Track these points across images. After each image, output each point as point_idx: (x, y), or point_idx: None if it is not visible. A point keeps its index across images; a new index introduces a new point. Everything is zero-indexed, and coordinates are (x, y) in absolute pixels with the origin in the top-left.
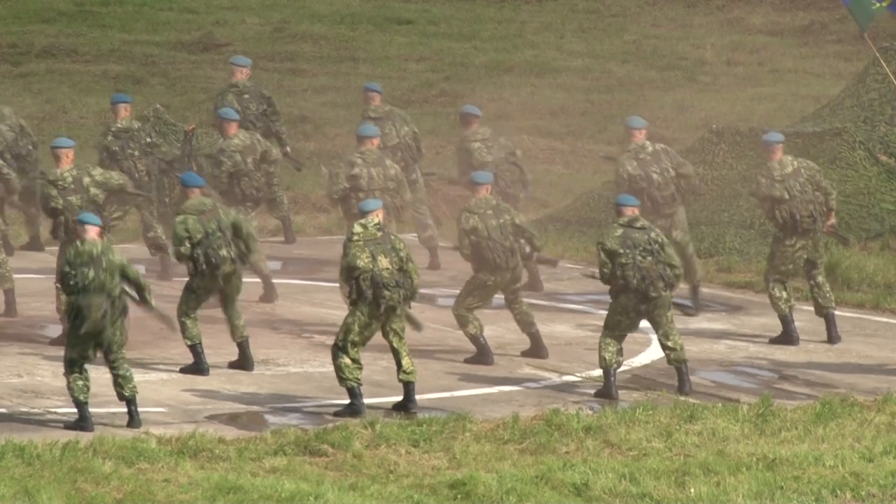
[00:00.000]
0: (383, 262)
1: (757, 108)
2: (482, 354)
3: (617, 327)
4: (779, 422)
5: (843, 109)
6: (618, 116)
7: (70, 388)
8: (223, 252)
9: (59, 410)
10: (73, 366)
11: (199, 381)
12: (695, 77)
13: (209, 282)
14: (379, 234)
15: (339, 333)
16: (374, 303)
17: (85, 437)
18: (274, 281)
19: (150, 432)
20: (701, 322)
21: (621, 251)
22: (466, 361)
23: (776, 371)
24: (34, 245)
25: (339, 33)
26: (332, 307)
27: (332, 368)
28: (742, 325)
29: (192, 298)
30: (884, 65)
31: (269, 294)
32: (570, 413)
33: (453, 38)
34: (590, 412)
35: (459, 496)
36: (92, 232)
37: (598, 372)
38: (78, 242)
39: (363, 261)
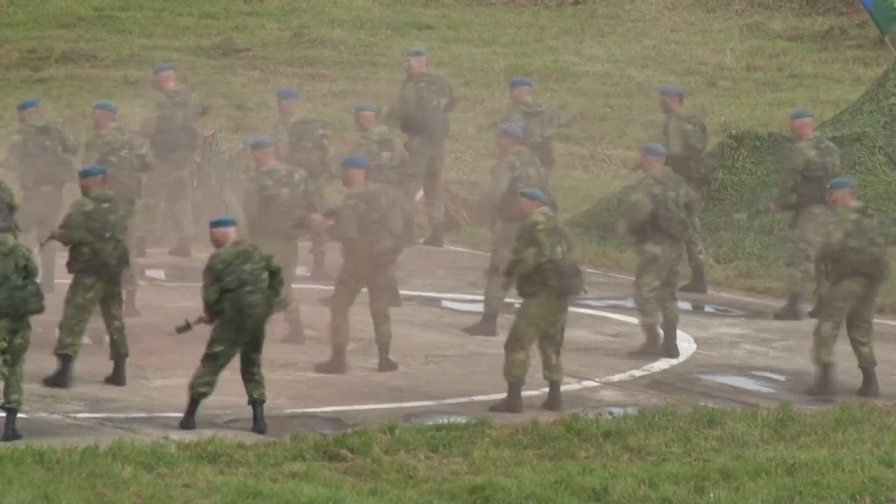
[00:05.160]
0: (558, 250)
1: (776, 113)
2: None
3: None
4: (798, 427)
5: (862, 114)
6: (637, 121)
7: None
8: None
9: (79, 415)
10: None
11: (218, 386)
12: (714, 82)
13: None
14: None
15: (516, 327)
16: (559, 292)
17: (104, 442)
18: (295, 286)
19: (169, 437)
20: (720, 327)
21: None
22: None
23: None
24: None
25: (358, 38)
26: (353, 311)
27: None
28: (761, 329)
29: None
30: None
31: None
32: (589, 418)
33: (472, 44)
34: (609, 417)
35: (479, 501)
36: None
37: (618, 376)
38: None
39: (549, 249)
